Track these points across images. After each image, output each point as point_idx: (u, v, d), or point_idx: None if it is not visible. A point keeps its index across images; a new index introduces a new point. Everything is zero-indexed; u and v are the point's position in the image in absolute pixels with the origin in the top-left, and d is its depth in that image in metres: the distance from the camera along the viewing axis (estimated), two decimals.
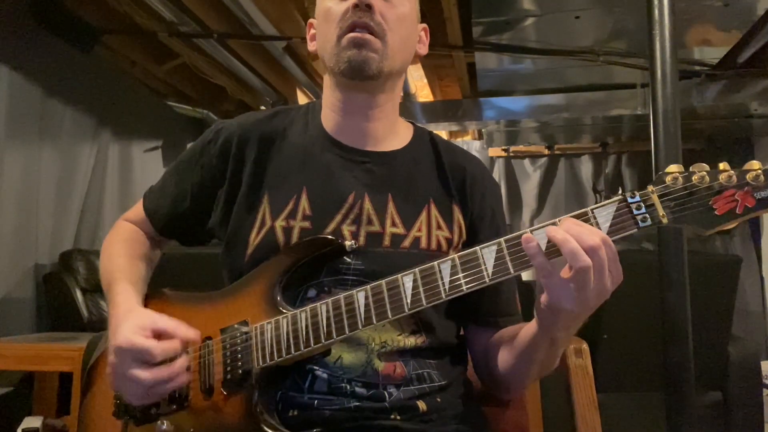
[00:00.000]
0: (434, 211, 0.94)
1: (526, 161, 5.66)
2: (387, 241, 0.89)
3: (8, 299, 3.06)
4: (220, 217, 0.96)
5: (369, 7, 0.87)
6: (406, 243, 0.89)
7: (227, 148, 0.96)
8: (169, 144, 4.54)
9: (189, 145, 1.05)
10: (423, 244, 0.90)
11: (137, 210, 1.07)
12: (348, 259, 0.87)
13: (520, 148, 5.53)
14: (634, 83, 3.97)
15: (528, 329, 0.82)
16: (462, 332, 1.00)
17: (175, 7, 3.07)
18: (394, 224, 0.90)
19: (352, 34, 0.88)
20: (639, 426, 2.24)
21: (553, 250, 0.70)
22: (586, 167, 5.55)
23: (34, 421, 2.04)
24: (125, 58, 3.97)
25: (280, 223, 0.89)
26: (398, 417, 0.83)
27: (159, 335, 0.83)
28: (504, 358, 0.89)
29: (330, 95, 0.98)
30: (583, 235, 0.68)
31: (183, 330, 0.83)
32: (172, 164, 1.05)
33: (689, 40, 3.41)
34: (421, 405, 0.85)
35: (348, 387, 0.82)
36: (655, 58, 1.81)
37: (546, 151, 5.54)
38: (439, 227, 0.93)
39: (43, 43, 3.22)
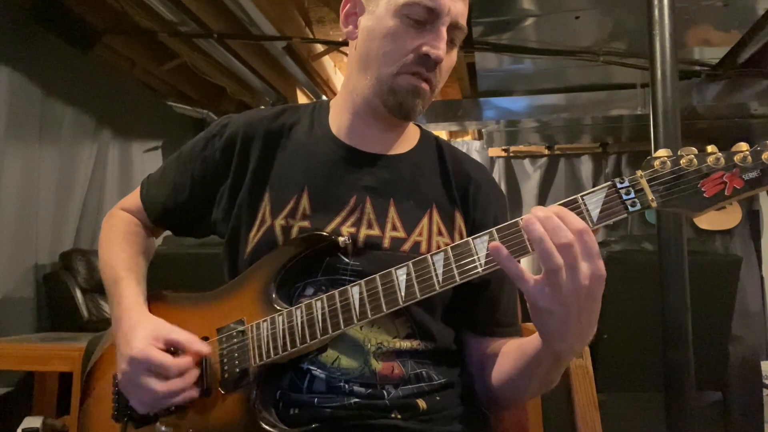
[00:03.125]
0: (436, 217, 0.93)
1: (526, 161, 5.66)
2: (387, 244, 0.88)
3: (8, 299, 3.05)
4: (223, 214, 0.95)
5: (437, 63, 0.87)
6: (406, 246, 0.89)
7: (232, 144, 0.96)
8: (169, 144, 4.54)
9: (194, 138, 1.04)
10: (423, 248, 0.90)
11: (133, 198, 1.06)
12: (346, 260, 0.86)
13: (520, 148, 5.53)
14: (634, 83, 3.97)
15: (531, 342, 0.79)
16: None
17: (175, 7, 3.07)
18: (394, 228, 0.90)
19: (415, 82, 0.88)
20: (639, 426, 2.24)
21: (519, 248, 0.71)
22: (586, 167, 5.54)
23: (34, 421, 2.04)
24: (125, 58, 3.97)
25: (279, 222, 0.89)
26: (399, 416, 0.82)
27: (172, 346, 0.84)
28: (503, 370, 0.87)
29: (354, 101, 0.95)
30: (557, 230, 0.66)
31: (196, 345, 0.84)
32: (174, 155, 1.04)
33: (689, 40, 3.41)
34: (421, 403, 0.84)
35: (346, 386, 0.82)
36: (655, 58, 1.81)
37: (546, 151, 5.53)
38: (440, 233, 0.92)
39: (43, 43, 3.22)
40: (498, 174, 5.63)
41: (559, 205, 0.71)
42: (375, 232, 0.89)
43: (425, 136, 1.04)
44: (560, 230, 0.66)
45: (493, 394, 0.91)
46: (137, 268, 0.98)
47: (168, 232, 1.11)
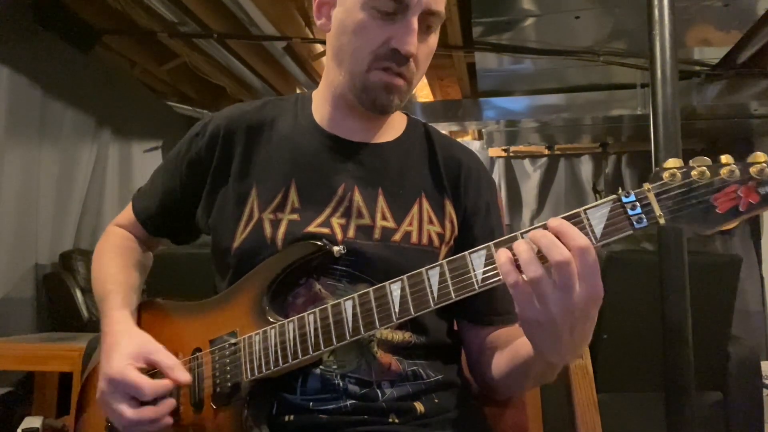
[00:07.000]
0: (426, 205, 0.92)
1: (526, 161, 5.66)
2: (377, 234, 0.87)
3: (8, 299, 3.06)
4: (204, 208, 0.94)
5: (409, 58, 0.83)
6: (397, 237, 0.88)
7: (214, 140, 0.94)
8: (169, 144, 4.54)
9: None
10: (414, 238, 0.88)
11: (127, 213, 1.05)
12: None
13: (520, 148, 5.53)
14: (634, 83, 3.97)
15: (524, 346, 0.78)
16: (455, 327, 0.98)
17: (175, 7, 3.07)
18: (384, 218, 0.89)
19: (386, 78, 0.84)
20: (639, 426, 2.24)
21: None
22: (586, 167, 5.55)
23: (34, 421, 2.04)
24: (125, 58, 3.97)
25: (267, 216, 0.88)
26: (396, 419, 0.82)
27: (153, 367, 0.82)
28: (498, 365, 0.88)
29: (333, 93, 0.93)
30: (552, 247, 0.63)
31: (177, 373, 0.81)
32: (161, 164, 1.03)
33: (689, 40, 3.41)
34: (419, 407, 0.83)
35: (341, 384, 0.81)
36: (655, 58, 1.81)
37: (546, 151, 5.54)
38: (430, 222, 0.91)
39: (43, 43, 3.22)
40: (498, 174, 5.63)
41: (563, 218, 0.67)
42: (366, 221, 0.88)
43: (412, 123, 1.01)
44: (554, 247, 0.63)
45: (489, 385, 0.91)
46: (126, 281, 0.96)
47: None
